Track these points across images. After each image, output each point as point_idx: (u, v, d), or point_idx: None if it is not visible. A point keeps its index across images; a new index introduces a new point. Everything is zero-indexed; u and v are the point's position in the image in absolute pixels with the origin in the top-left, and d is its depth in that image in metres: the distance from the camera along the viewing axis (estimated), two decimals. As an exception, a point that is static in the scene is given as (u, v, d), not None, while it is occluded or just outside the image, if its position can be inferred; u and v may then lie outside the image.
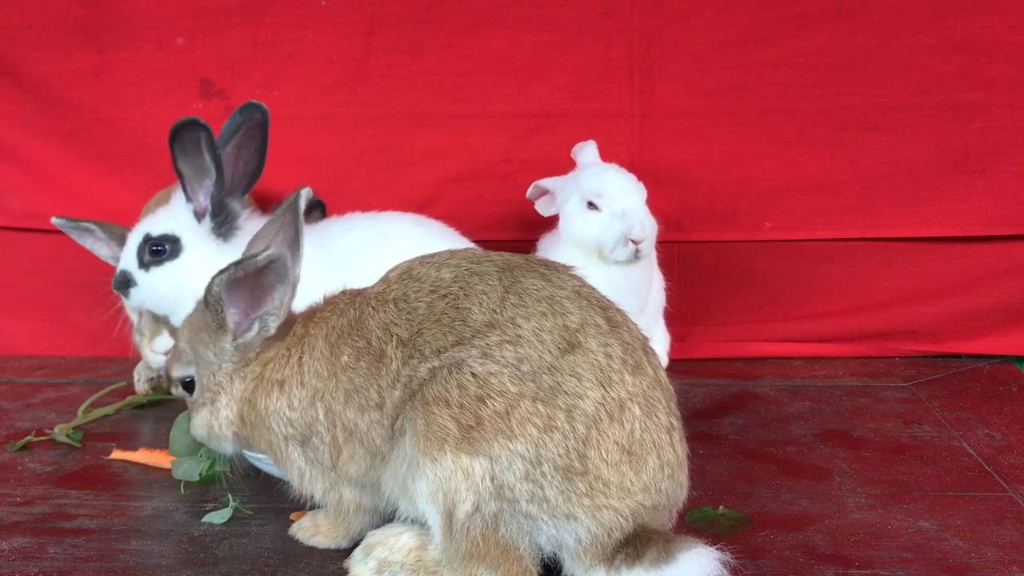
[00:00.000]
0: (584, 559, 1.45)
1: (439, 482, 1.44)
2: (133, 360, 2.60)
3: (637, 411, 1.46)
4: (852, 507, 1.85)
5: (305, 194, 1.74)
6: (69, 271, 2.90)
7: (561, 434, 1.42)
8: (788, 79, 2.68)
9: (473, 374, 1.44)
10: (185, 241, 2.20)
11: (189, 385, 1.75)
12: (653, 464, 1.46)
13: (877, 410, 2.36)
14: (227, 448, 1.78)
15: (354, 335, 1.58)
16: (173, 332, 2.35)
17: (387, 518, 1.66)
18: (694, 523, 1.78)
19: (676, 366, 2.62)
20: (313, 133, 2.81)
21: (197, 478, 1.98)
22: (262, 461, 1.90)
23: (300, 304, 1.72)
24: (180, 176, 2.17)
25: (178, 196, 2.23)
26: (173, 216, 2.23)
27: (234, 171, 2.21)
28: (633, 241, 2.28)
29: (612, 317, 1.53)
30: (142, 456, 2.16)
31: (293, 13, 2.77)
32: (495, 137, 2.78)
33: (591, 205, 2.31)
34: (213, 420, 1.72)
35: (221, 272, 1.60)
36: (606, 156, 2.48)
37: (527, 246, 2.55)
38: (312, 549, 1.73)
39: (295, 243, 1.69)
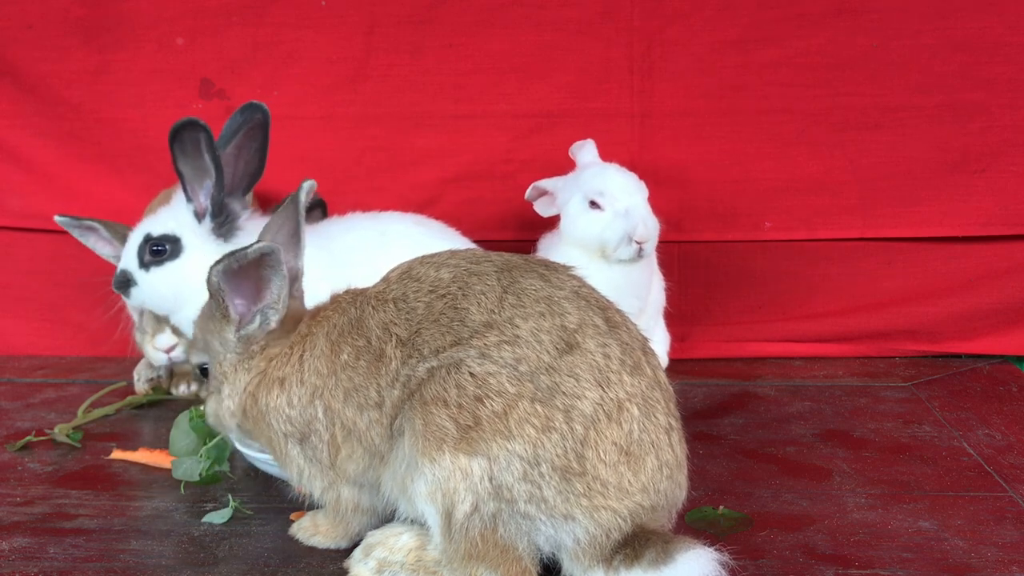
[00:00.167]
0: (583, 559, 1.45)
1: (438, 482, 1.44)
2: (133, 360, 2.60)
3: (635, 412, 1.46)
4: (852, 507, 1.85)
5: (308, 187, 1.75)
6: (69, 271, 2.90)
7: (559, 435, 1.42)
8: (788, 79, 2.68)
9: (471, 374, 1.44)
10: (186, 241, 2.20)
11: (205, 371, 1.76)
12: (651, 465, 1.46)
13: (877, 410, 2.36)
14: (234, 438, 1.79)
15: (354, 334, 1.58)
16: (175, 330, 2.35)
17: (387, 519, 1.66)
18: (694, 523, 1.78)
19: (676, 366, 2.62)
20: (313, 133, 2.81)
21: (197, 478, 1.99)
22: (261, 461, 1.90)
23: (307, 304, 1.74)
24: (180, 176, 2.17)
25: (179, 196, 2.23)
26: (174, 216, 2.23)
27: (234, 171, 2.21)
28: (636, 240, 2.28)
29: (611, 317, 1.53)
30: (142, 456, 2.16)
31: (293, 13, 2.77)
32: (495, 137, 2.78)
33: (593, 204, 2.31)
34: (219, 409, 1.73)
35: (217, 262, 1.60)
36: (606, 156, 2.48)
37: (527, 246, 2.55)
38: (312, 549, 1.73)
39: (295, 236, 1.69)
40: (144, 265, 2.21)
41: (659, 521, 1.50)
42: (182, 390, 2.55)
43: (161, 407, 2.51)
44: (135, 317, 2.49)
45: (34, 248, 2.94)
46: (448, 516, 1.45)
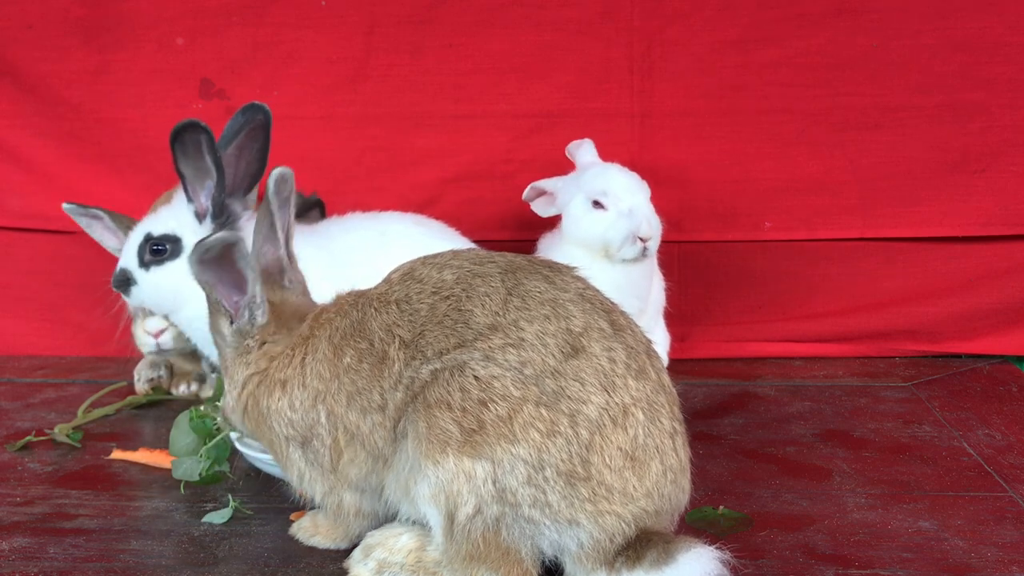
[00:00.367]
0: (586, 563, 1.45)
1: (441, 484, 1.44)
2: (133, 360, 2.60)
3: (640, 416, 1.45)
4: (852, 507, 1.85)
5: (276, 175, 1.64)
6: (69, 271, 2.90)
7: (564, 439, 1.41)
8: (788, 79, 2.68)
9: (476, 377, 1.44)
10: (186, 242, 2.20)
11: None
12: (656, 470, 1.45)
13: (877, 410, 2.36)
14: (234, 437, 1.80)
15: (357, 336, 1.57)
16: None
17: (387, 520, 1.66)
18: (694, 523, 1.78)
19: (676, 366, 2.61)
20: (313, 133, 2.80)
21: (197, 478, 1.98)
22: (262, 461, 1.90)
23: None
24: (181, 177, 2.17)
25: (180, 196, 2.23)
26: (175, 216, 2.23)
27: (235, 172, 2.20)
28: (641, 239, 2.28)
29: (616, 320, 1.52)
30: (142, 456, 2.16)
31: (293, 13, 2.77)
32: (495, 137, 2.78)
33: (597, 204, 2.31)
34: (224, 404, 1.74)
35: (191, 253, 1.58)
36: (606, 156, 2.47)
37: (527, 246, 2.55)
38: (312, 549, 1.73)
39: (272, 228, 1.66)
40: (144, 264, 2.21)
41: (662, 524, 1.49)
42: (182, 390, 2.54)
43: (161, 407, 2.51)
44: (131, 307, 2.48)
45: (34, 248, 2.94)
46: (451, 518, 1.45)
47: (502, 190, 2.76)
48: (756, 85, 2.69)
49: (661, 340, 2.56)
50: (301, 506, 1.78)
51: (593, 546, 1.43)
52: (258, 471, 1.99)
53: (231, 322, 1.67)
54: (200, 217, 2.21)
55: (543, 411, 1.42)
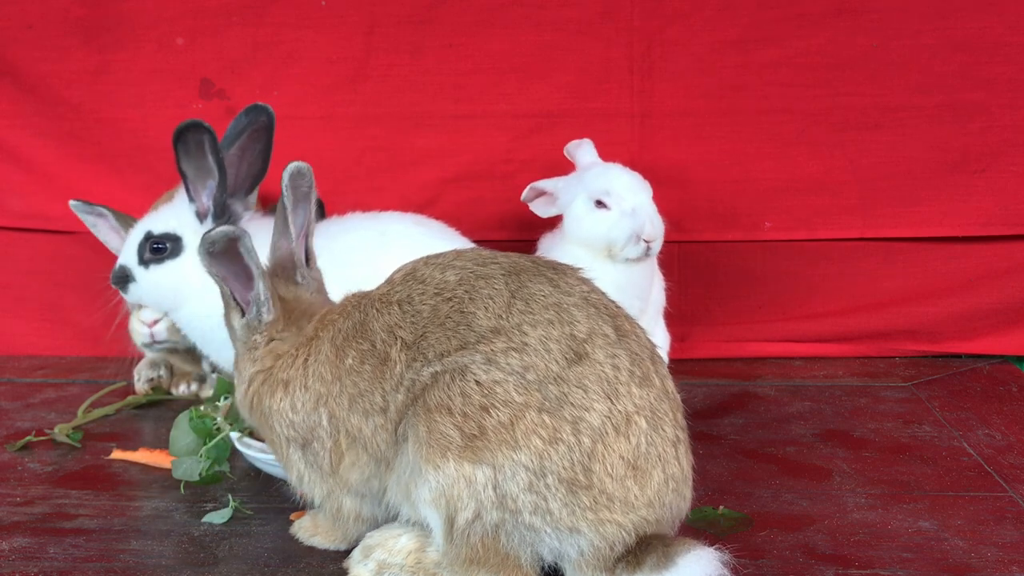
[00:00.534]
0: (586, 570, 1.44)
1: (441, 488, 1.44)
2: (133, 360, 2.60)
3: (643, 424, 1.44)
4: (852, 507, 1.85)
5: (291, 169, 1.65)
6: (69, 271, 2.90)
7: (566, 447, 1.40)
8: (788, 79, 2.68)
9: (477, 382, 1.43)
10: (187, 241, 2.20)
11: None
12: (658, 479, 1.44)
13: (877, 410, 2.36)
14: (234, 437, 1.83)
15: (358, 338, 1.57)
16: None
17: (388, 521, 1.66)
18: (694, 523, 1.77)
19: (676, 366, 2.58)
20: (313, 133, 2.80)
21: (197, 478, 1.98)
22: (262, 461, 1.90)
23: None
24: (183, 177, 2.17)
25: (181, 195, 2.23)
26: (176, 215, 2.22)
27: (237, 173, 2.21)
28: (645, 239, 2.28)
29: (620, 326, 1.51)
30: (142, 456, 2.16)
31: (293, 13, 2.77)
32: (495, 137, 2.78)
33: (599, 204, 2.31)
34: (234, 397, 1.74)
35: (200, 245, 1.58)
36: (606, 156, 2.47)
37: (527, 246, 2.54)
38: (312, 549, 1.73)
39: (285, 223, 1.67)
40: (144, 262, 2.21)
41: (663, 531, 1.48)
42: (182, 390, 2.55)
43: (161, 407, 2.51)
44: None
45: (34, 248, 2.94)
46: (450, 522, 1.44)
47: (502, 190, 2.76)
48: (756, 85, 2.69)
49: (661, 340, 2.56)
50: (301, 506, 1.78)
51: (593, 554, 1.43)
52: (258, 471, 2.00)
53: (242, 315, 1.67)
54: (201, 217, 2.20)
55: (546, 418, 1.41)
